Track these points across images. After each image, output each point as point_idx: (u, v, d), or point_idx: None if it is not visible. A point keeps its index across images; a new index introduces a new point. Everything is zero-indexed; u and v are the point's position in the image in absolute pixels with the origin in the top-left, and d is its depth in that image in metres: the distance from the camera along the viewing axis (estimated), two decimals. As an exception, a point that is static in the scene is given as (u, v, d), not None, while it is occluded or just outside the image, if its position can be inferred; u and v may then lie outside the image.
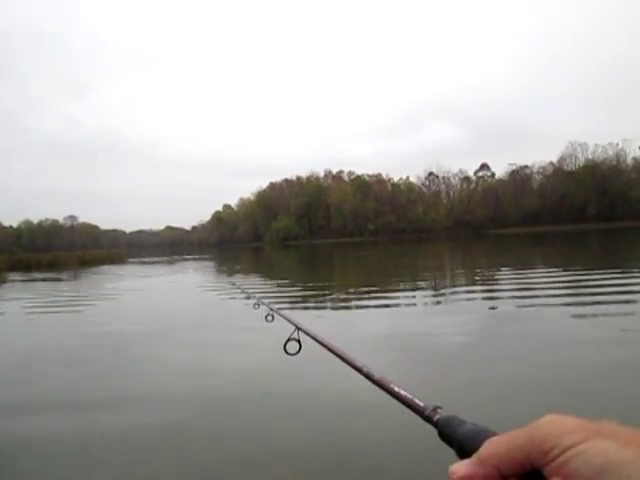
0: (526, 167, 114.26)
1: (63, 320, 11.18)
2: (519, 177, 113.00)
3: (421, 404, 0.65)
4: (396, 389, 0.73)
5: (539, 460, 0.37)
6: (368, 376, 0.83)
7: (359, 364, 0.90)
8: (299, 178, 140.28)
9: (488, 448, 0.42)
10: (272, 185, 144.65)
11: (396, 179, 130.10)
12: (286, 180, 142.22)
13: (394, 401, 0.72)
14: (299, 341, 1.49)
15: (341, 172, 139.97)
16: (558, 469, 0.36)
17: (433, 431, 0.58)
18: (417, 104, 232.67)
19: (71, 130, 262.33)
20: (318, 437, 3.89)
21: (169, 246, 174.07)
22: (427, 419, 0.62)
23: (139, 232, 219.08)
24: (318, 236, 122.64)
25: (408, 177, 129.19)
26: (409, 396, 0.69)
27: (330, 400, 4.62)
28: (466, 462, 0.43)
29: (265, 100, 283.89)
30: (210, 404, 4.75)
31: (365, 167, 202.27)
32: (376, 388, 0.79)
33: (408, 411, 0.67)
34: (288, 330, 1.50)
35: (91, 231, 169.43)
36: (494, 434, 0.47)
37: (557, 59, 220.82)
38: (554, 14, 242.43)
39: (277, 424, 4.16)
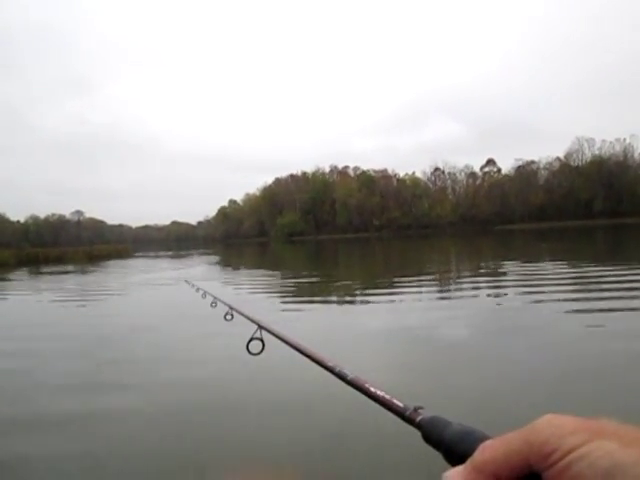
0: (532, 162, 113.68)
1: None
2: (525, 172, 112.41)
3: (401, 405, 0.61)
4: (372, 389, 0.69)
5: (539, 464, 0.35)
6: (341, 376, 0.78)
7: (330, 363, 0.85)
8: (304, 173, 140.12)
9: (483, 454, 0.39)
10: (278, 180, 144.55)
11: (402, 174, 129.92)
12: (292, 175, 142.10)
13: (371, 402, 0.68)
14: (262, 340, 1.43)
15: (346, 167, 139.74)
16: (560, 473, 0.33)
17: (415, 433, 0.56)
18: (422, 100, 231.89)
19: (77, 127, 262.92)
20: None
21: (175, 241, 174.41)
22: (408, 420, 0.58)
23: (145, 227, 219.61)
24: (323, 232, 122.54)
25: (414, 172, 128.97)
26: (387, 396, 0.65)
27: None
28: (460, 469, 0.40)
29: (271, 96, 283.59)
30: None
31: (370, 162, 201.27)
32: (351, 389, 0.74)
33: (387, 412, 0.63)
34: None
35: (97, 226, 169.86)
36: (484, 435, 0.46)
37: (562, 53, 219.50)
38: (558, 5, 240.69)
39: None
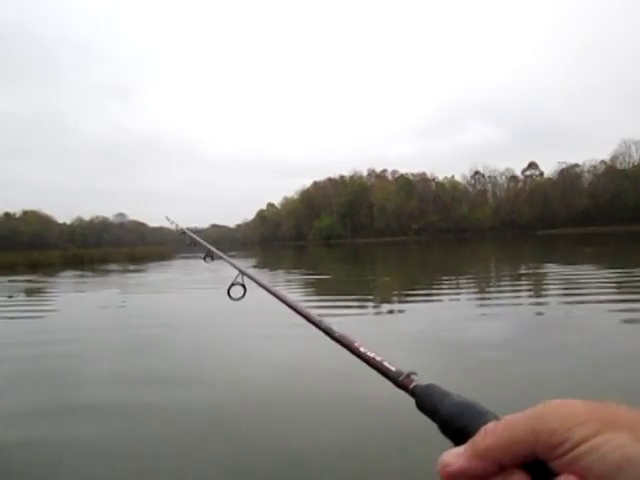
0: (576, 166, 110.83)
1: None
2: (569, 176, 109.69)
3: (393, 369, 0.57)
4: (362, 350, 0.64)
5: (546, 454, 0.34)
6: (327, 332, 0.74)
7: (316, 318, 0.80)
8: (342, 177, 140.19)
9: (486, 440, 0.37)
10: (316, 184, 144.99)
11: (440, 178, 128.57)
12: (329, 179, 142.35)
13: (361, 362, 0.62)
14: (244, 285, 1.38)
15: (384, 171, 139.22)
16: (568, 465, 0.32)
17: (407, 397, 0.52)
18: (459, 102, 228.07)
19: (118, 132, 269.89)
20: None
21: (214, 243, 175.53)
22: (401, 386, 0.54)
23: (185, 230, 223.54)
24: (361, 235, 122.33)
25: (453, 176, 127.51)
26: (378, 358, 0.60)
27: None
28: (460, 452, 0.38)
29: (309, 100, 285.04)
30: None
31: (408, 166, 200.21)
32: (338, 346, 0.69)
33: (376, 374, 0.59)
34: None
35: (139, 228, 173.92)
36: (484, 409, 0.44)
37: (605, 51, 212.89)
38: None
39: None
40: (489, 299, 10.59)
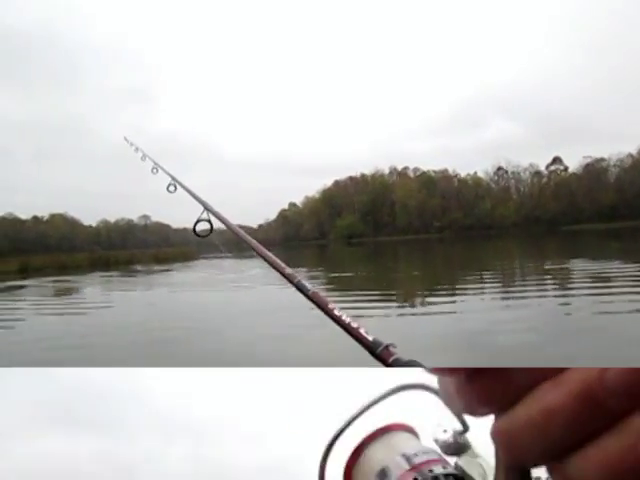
0: (602, 160, 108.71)
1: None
2: (594, 170, 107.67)
3: (370, 338, 0.54)
4: (336, 312, 0.61)
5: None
6: (299, 288, 0.68)
7: (288, 271, 0.70)
8: (364, 176, 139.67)
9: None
10: (337, 183, 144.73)
11: (463, 175, 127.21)
12: (351, 178, 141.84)
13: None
14: (210, 222, 1.30)
15: (406, 169, 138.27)
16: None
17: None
18: (481, 99, 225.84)
19: (138, 134, 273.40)
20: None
21: (236, 244, 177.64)
22: (379, 358, 0.51)
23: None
24: (383, 233, 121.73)
25: (475, 172, 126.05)
26: (354, 325, 0.57)
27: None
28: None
29: (329, 98, 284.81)
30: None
31: (430, 164, 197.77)
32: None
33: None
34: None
35: (163, 230, 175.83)
36: None
37: (625, 41, 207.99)
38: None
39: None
40: (518, 293, 10.44)
